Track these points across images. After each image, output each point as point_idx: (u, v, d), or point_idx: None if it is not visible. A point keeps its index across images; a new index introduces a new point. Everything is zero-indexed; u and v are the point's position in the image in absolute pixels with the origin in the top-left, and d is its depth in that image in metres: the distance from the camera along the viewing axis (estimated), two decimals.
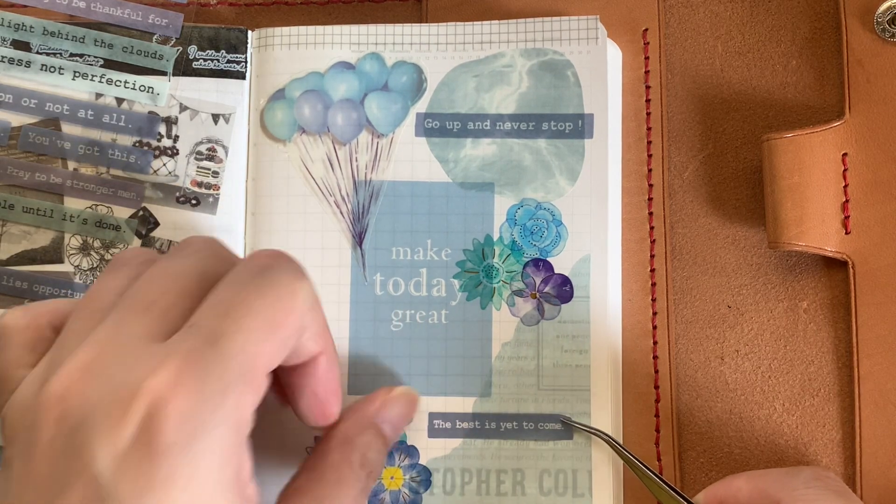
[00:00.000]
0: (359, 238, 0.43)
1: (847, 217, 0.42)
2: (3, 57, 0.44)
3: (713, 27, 0.45)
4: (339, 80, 0.43)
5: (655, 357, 0.43)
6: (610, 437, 0.40)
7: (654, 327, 0.43)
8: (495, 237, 0.43)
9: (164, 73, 0.45)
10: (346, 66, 0.43)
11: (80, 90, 0.44)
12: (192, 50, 0.45)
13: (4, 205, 0.44)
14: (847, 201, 0.42)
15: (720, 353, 0.43)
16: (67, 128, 0.44)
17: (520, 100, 0.43)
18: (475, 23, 0.43)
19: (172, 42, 0.45)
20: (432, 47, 0.43)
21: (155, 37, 0.45)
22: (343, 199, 0.43)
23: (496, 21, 0.43)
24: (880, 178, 0.42)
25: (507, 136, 0.43)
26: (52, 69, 0.44)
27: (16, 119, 0.44)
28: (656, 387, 0.43)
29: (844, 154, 0.42)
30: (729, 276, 0.44)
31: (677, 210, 0.44)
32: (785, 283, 0.44)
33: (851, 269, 0.42)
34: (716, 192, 0.45)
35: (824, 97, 0.44)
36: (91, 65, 0.44)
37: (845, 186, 0.42)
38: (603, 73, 0.42)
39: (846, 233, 0.42)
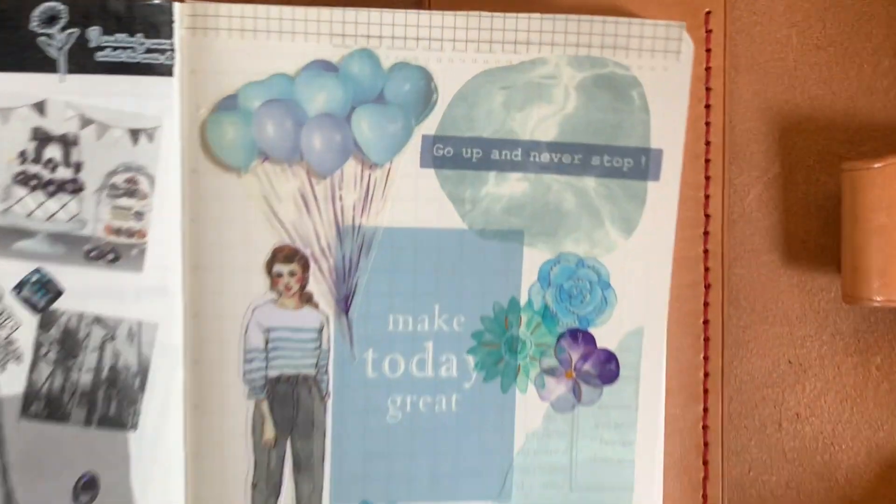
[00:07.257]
0: (344, 303, 0.38)
1: None
2: None
3: (788, 13, 0.41)
4: (317, 87, 0.36)
5: (705, 427, 0.40)
6: None
7: (706, 391, 0.40)
8: (522, 301, 0.38)
9: (52, 69, 0.33)
10: (325, 66, 0.36)
11: None
12: (94, 34, 0.34)
13: None
14: None
15: (777, 419, 0.41)
16: None
17: (564, 123, 0.37)
18: (506, 15, 0.36)
19: (63, 23, 0.32)
20: (445, 45, 0.36)
21: (34, 16, 0.32)
22: (323, 251, 0.37)
23: (537, 15, 0.36)
24: None
25: (544, 170, 0.38)
26: None
27: None
28: (705, 462, 0.40)
29: None
30: (792, 325, 0.42)
31: (736, 245, 0.41)
32: (856, 334, 0.42)
33: None
34: (782, 221, 0.41)
35: None
36: None
37: None
38: (682, 97, 0.37)
39: None
